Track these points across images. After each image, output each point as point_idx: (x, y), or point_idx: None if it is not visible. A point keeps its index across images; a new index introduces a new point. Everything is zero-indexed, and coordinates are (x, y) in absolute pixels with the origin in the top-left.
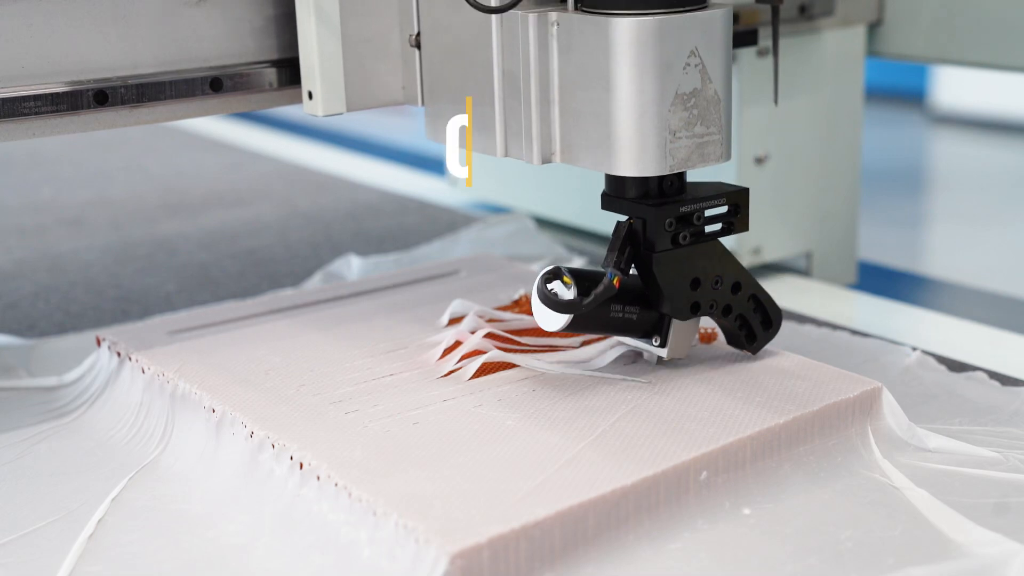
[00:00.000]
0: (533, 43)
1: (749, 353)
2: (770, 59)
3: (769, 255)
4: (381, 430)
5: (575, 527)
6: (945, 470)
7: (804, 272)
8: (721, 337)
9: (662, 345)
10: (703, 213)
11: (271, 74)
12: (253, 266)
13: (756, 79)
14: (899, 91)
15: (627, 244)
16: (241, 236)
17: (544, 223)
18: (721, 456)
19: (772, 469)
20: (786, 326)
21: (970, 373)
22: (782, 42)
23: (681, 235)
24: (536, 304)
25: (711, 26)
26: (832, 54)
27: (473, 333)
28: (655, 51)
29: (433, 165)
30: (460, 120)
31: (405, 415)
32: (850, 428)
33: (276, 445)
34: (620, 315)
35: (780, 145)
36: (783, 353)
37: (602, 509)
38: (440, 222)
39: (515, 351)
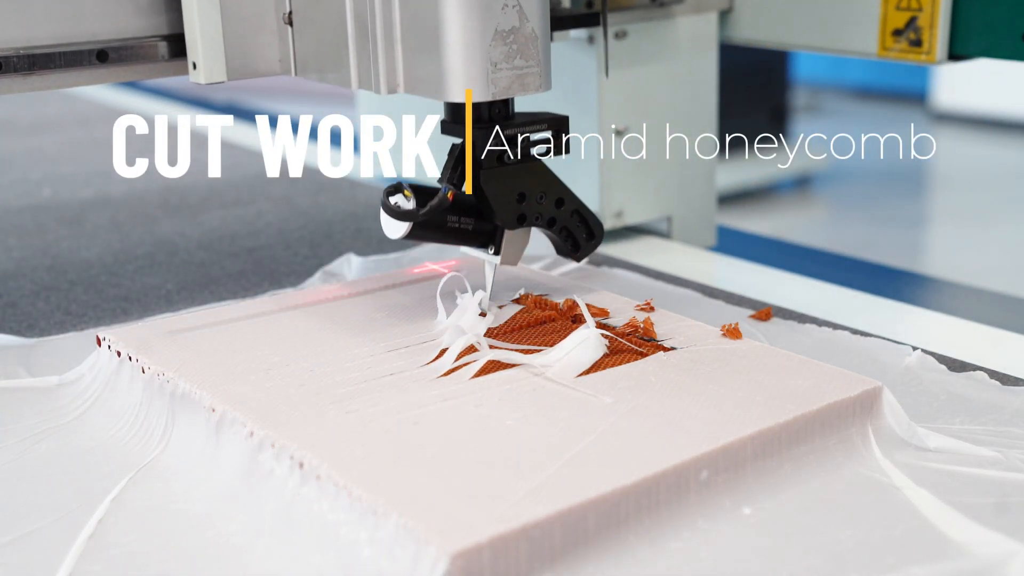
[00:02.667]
0: None
1: (574, 261)
2: (626, 41)
3: (631, 218)
4: (381, 430)
5: (575, 527)
6: (945, 470)
7: (665, 235)
8: (743, 329)
9: (496, 253)
10: (529, 137)
11: (163, 47)
12: (253, 266)
13: (615, 59)
14: (899, 90)
15: (459, 163)
16: (241, 236)
17: None
18: (721, 456)
19: (772, 469)
20: (786, 325)
21: (970, 373)
22: (638, 27)
23: (505, 155)
24: (381, 215)
25: None
26: (686, 39)
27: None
28: None
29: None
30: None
31: (405, 415)
32: (850, 428)
33: (276, 445)
34: (457, 225)
35: (638, 120)
36: (783, 353)
37: (602, 509)
38: None
39: (514, 351)
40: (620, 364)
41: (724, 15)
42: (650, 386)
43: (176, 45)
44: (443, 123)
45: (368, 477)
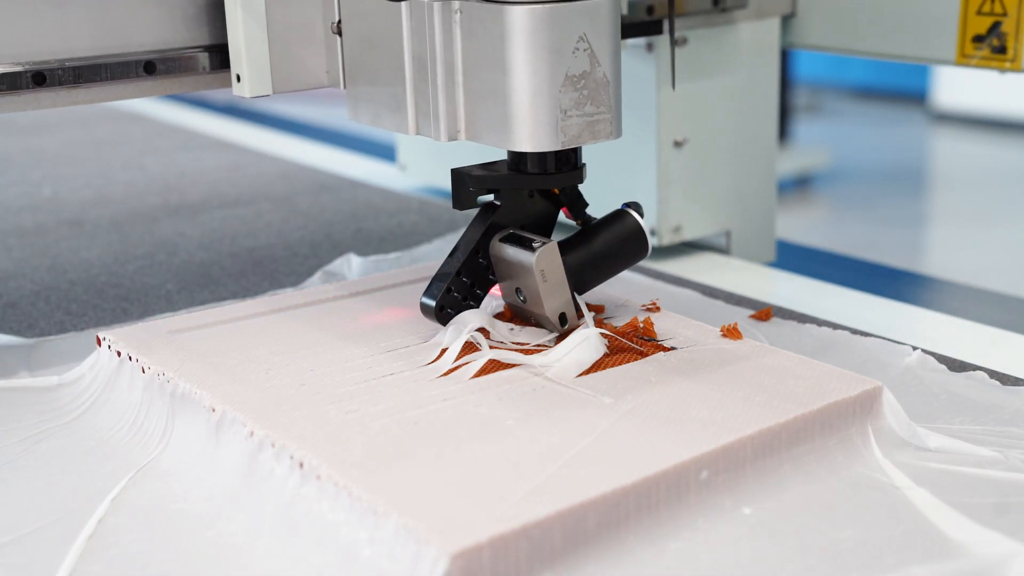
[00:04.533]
0: (439, 29)
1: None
2: (686, 49)
3: (688, 233)
4: (381, 430)
5: (575, 527)
6: (945, 470)
7: (724, 251)
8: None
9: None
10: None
11: (204, 58)
12: (253, 266)
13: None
14: (899, 90)
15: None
16: (241, 235)
17: None
18: (721, 456)
19: (772, 469)
20: (786, 325)
21: (970, 373)
22: (699, 33)
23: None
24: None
25: (598, 14)
26: (747, 45)
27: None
28: (546, 36)
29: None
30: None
31: (405, 415)
32: (850, 427)
33: (276, 445)
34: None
35: (697, 130)
36: (783, 353)
37: (602, 509)
38: (440, 222)
39: (514, 351)
40: (620, 364)
41: (786, 20)
42: (650, 386)
43: (218, 56)
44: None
45: (368, 477)
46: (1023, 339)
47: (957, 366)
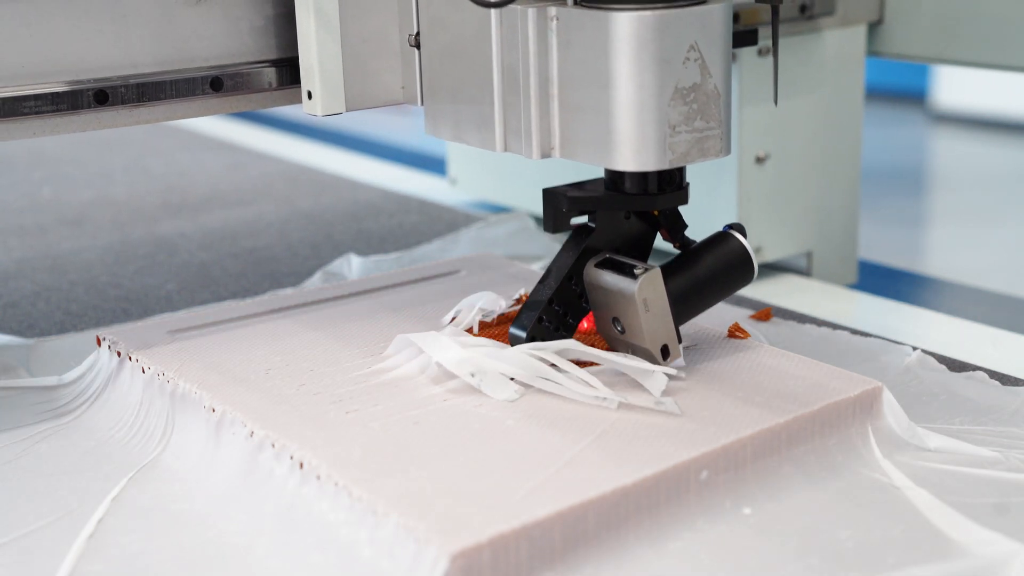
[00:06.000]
0: (532, 38)
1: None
2: (770, 59)
3: (769, 255)
4: (381, 430)
5: (575, 527)
6: (945, 470)
7: (804, 272)
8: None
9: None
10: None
11: (270, 74)
12: (253, 266)
13: (756, 78)
14: (899, 91)
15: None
16: (241, 236)
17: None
18: (721, 456)
19: (772, 469)
20: (786, 326)
21: (970, 373)
22: (782, 41)
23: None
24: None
25: (710, 20)
26: (832, 54)
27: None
28: (654, 45)
29: (434, 164)
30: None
31: (405, 415)
32: (850, 428)
33: (276, 445)
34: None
35: (780, 145)
36: (783, 353)
37: (602, 509)
38: (440, 222)
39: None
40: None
41: (873, 27)
42: None
43: (286, 71)
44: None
45: (368, 477)
46: (1023, 339)
47: (957, 366)
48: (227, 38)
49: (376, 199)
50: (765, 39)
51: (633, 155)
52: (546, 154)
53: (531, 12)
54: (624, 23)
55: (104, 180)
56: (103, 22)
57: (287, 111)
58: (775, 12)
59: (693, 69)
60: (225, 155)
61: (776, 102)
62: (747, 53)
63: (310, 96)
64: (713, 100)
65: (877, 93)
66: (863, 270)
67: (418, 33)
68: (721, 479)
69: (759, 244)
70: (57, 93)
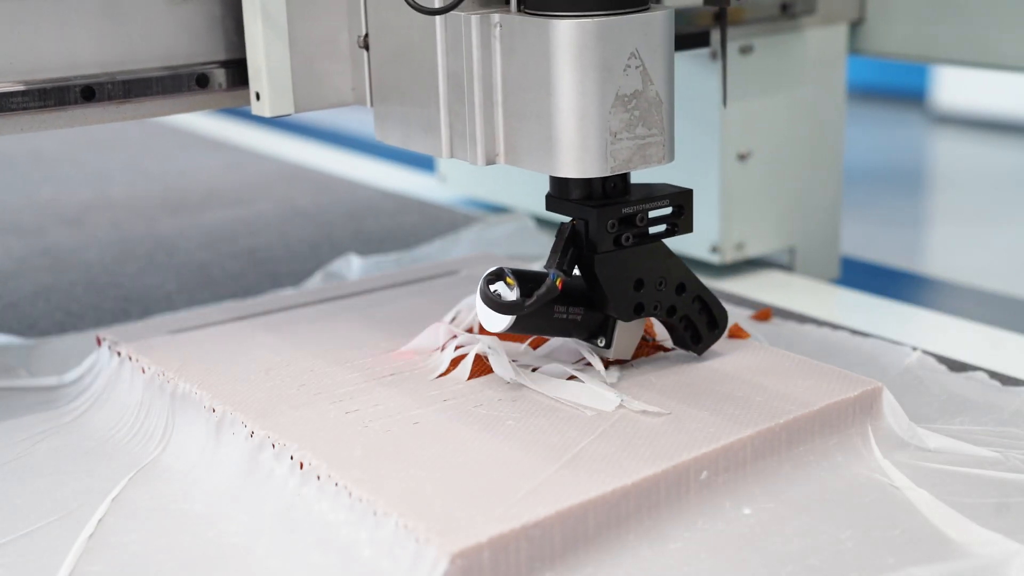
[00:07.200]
0: (476, 44)
1: (696, 352)
2: (751, 57)
3: (752, 250)
4: (381, 430)
5: (575, 527)
6: (945, 470)
7: (787, 267)
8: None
9: (607, 346)
10: (646, 214)
11: (220, 74)
12: (253, 266)
13: (738, 78)
14: (899, 91)
15: (570, 245)
16: (241, 236)
17: (544, 223)
18: (721, 456)
19: (772, 469)
20: (786, 326)
21: (970, 373)
22: (764, 40)
23: (624, 236)
24: (479, 305)
25: (652, 28)
26: (814, 52)
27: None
28: (595, 53)
29: (433, 165)
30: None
31: (405, 415)
32: (850, 428)
33: (276, 445)
34: (564, 316)
35: (763, 142)
36: (783, 353)
37: (602, 509)
38: (440, 222)
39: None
40: (620, 364)
41: (854, 26)
42: (650, 386)
43: (236, 72)
44: (548, 198)
45: (368, 477)
46: (1023, 339)
47: (957, 366)
48: (211, 36)
49: (376, 199)
50: (747, 38)
51: (575, 162)
52: (491, 160)
53: (474, 19)
54: (565, 30)
55: (103, 180)
56: (91, 21)
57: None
58: (723, 15)
59: (634, 76)
60: (224, 155)
61: (725, 103)
62: (729, 51)
63: (258, 97)
64: (655, 107)
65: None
66: (846, 266)
67: (367, 35)
68: (721, 479)
69: (741, 240)
70: (45, 89)
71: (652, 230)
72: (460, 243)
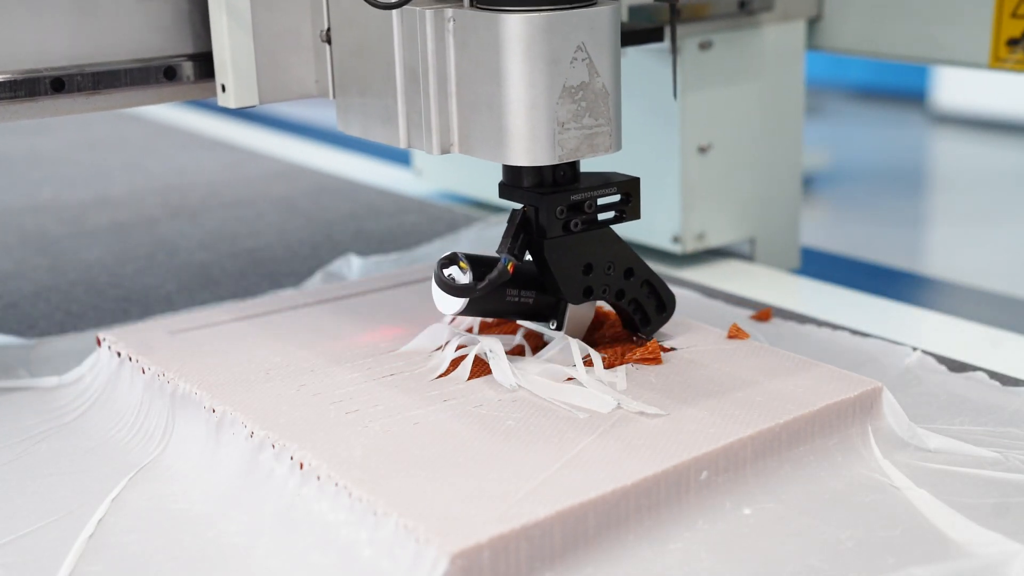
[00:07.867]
0: (431, 38)
1: (643, 336)
2: (710, 53)
3: (713, 240)
4: (381, 430)
5: (575, 527)
6: (945, 470)
7: (748, 257)
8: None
9: (559, 328)
10: (595, 201)
11: (188, 67)
12: (253, 266)
13: (698, 72)
14: (899, 91)
15: (521, 231)
16: (241, 236)
17: None
18: (721, 456)
19: (772, 469)
20: (786, 326)
21: (970, 373)
22: (724, 36)
23: (573, 222)
24: (434, 288)
25: (598, 22)
26: (773, 48)
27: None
28: (543, 46)
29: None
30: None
31: (405, 415)
32: (850, 428)
33: (276, 445)
34: (516, 299)
35: (723, 135)
36: (783, 353)
37: (602, 509)
38: (440, 222)
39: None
40: (620, 364)
41: (812, 23)
42: (650, 386)
43: (203, 65)
44: (501, 186)
45: (368, 477)
46: (1023, 339)
47: (957, 366)
48: (179, 30)
49: (376, 199)
50: (706, 34)
51: (525, 151)
52: (446, 150)
53: (428, 13)
54: (514, 24)
55: (103, 180)
56: (61, 14)
57: (287, 111)
58: (673, 11)
59: (581, 69)
60: (224, 155)
61: (676, 96)
62: (689, 47)
63: (224, 89)
64: (601, 98)
65: (877, 93)
66: (805, 256)
67: (329, 29)
68: (721, 479)
69: (702, 230)
70: (15, 80)
71: (600, 217)
72: (460, 243)
